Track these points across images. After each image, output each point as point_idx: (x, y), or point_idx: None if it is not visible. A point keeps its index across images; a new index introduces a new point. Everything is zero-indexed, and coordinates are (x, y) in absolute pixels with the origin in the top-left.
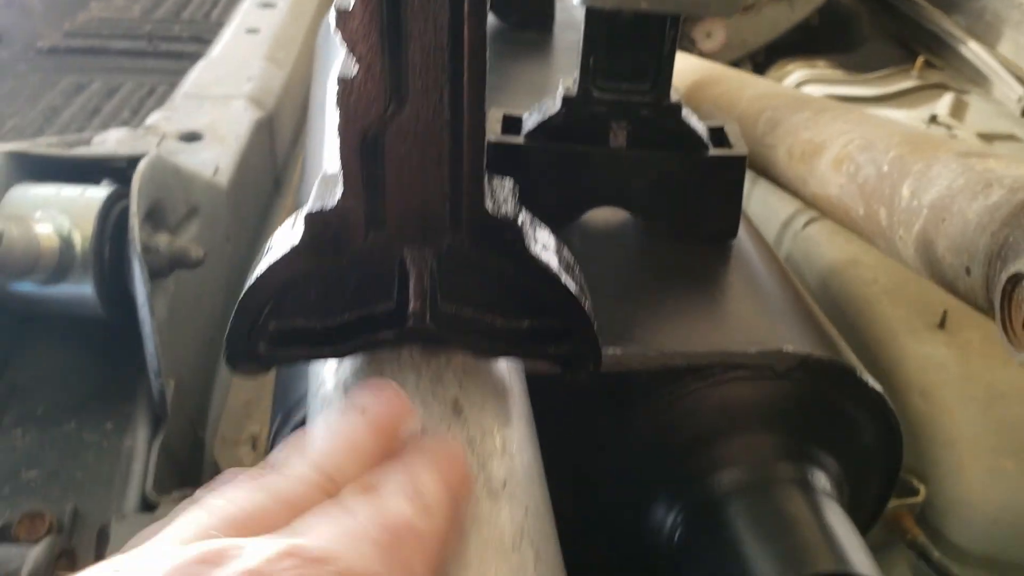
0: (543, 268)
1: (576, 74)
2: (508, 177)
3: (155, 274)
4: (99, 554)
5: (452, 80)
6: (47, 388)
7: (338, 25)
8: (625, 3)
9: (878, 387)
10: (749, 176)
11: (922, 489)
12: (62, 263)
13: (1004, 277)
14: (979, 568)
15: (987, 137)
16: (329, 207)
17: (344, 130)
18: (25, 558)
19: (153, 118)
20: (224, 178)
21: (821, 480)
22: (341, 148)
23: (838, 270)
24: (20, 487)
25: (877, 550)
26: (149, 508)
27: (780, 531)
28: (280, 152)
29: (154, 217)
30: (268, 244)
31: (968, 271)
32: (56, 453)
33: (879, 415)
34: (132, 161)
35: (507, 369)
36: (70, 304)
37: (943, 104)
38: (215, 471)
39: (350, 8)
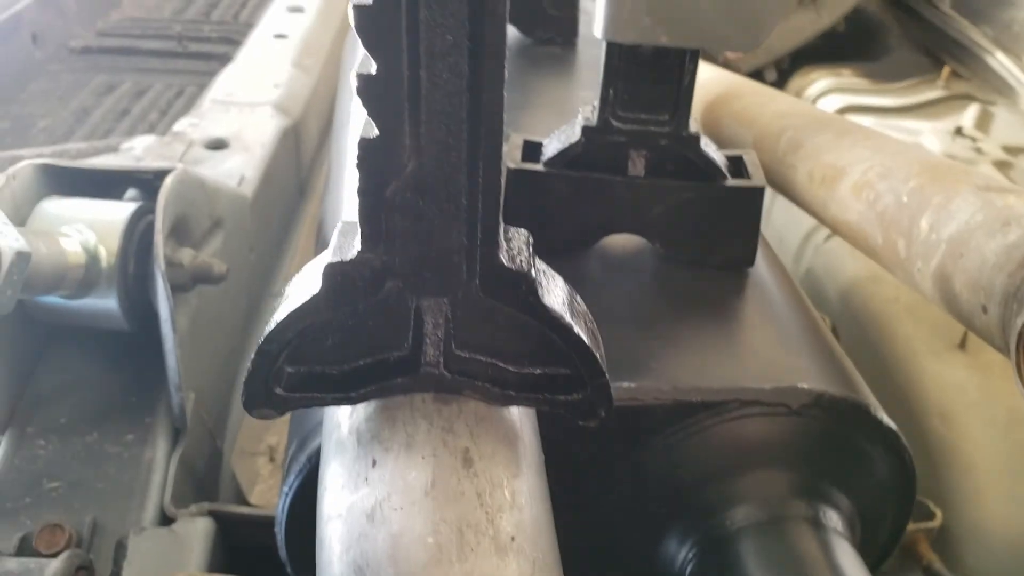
0: (555, 318)
1: (596, 102)
2: (523, 229)
3: (178, 288)
4: (116, 568)
5: (470, 140)
6: (70, 398)
7: (360, 90)
8: (645, 37)
9: (891, 425)
10: (771, 189)
11: (939, 514)
12: (88, 278)
13: (1020, 321)
14: None
15: (1012, 150)
16: (348, 259)
17: (364, 189)
18: (44, 572)
19: (180, 125)
20: (249, 188)
21: (833, 518)
22: (361, 205)
23: (859, 285)
24: (42, 497)
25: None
26: (166, 521)
27: (790, 569)
28: (305, 158)
29: (178, 232)
30: (286, 291)
31: (985, 309)
32: (78, 464)
33: (893, 451)
34: (159, 174)
35: (519, 416)
36: (94, 317)
37: (968, 115)
38: (232, 482)
39: (372, 72)
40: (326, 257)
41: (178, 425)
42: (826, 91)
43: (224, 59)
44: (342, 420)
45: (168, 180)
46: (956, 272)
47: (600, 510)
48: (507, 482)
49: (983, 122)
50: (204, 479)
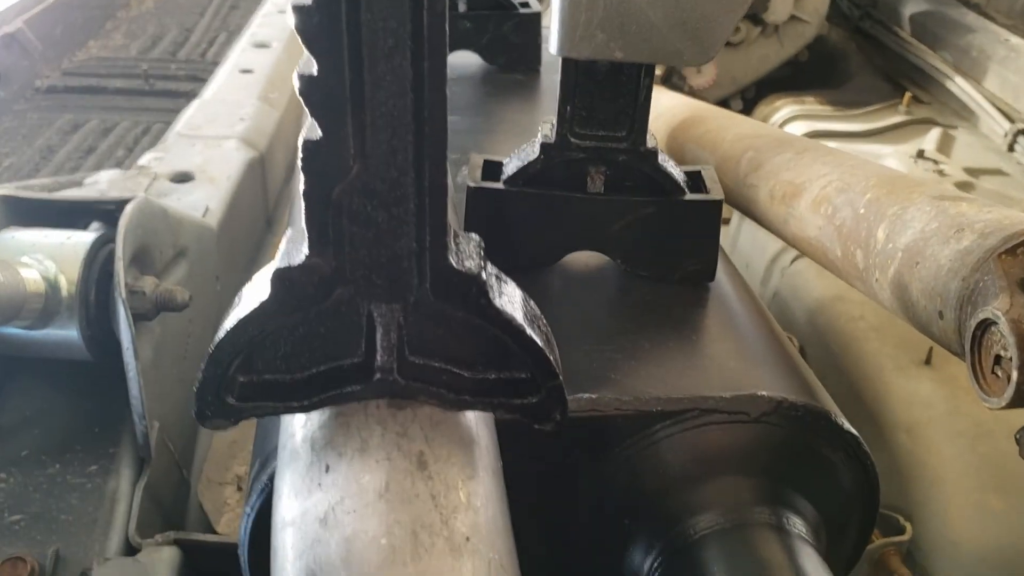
0: (507, 320)
1: (554, 120)
2: (474, 234)
3: (140, 317)
4: None
5: (415, 142)
6: (32, 430)
7: (301, 91)
8: (600, 53)
9: (852, 431)
10: (736, 214)
11: (908, 528)
12: (48, 308)
13: (973, 323)
14: None
15: (974, 171)
16: (296, 263)
17: (309, 191)
18: None
19: (145, 158)
20: (214, 219)
21: (797, 524)
22: (306, 208)
23: (825, 306)
24: (3, 530)
25: None
26: (131, 551)
27: (755, 574)
28: (272, 191)
29: (141, 260)
30: (237, 298)
31: (941, 315)
32: (40, 496)
33: (855, 458)
34: (120, 204)
35: (475, 420)
36: (56, 347)
37: (930, 139)
38: (200, 512)
39: (314, 73)
40: (275, 263)
41: (142, 454)
42: (791, 118)
43: (191, 96)
44: (296, 429)
45: (129, 208)
46: (913, 280)
47: (565, 521)
48: (462, 484)
49: (944, 145)
50: (171, 510)
